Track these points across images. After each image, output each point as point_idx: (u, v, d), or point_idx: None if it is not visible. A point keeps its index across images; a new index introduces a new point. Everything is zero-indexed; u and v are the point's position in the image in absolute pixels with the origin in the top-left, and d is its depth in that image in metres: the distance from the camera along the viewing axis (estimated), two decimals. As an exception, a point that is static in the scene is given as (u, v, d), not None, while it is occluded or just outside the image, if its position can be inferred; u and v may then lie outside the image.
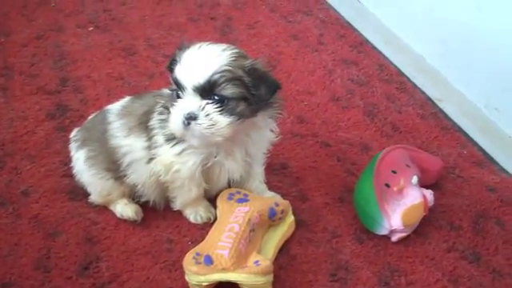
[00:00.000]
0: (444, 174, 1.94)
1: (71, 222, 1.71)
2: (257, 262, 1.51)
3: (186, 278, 1.52)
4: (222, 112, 1.50)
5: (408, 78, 2.43)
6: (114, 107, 1.75)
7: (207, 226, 1.69)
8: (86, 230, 1.69)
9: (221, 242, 1.55)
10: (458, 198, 1.87)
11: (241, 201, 1.68)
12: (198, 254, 1.53)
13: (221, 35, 2.62)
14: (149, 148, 1.65)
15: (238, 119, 1.53)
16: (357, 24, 2.79)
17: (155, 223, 1.72)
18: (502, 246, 1.73)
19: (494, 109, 2.18)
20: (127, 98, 1.77)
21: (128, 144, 1.67)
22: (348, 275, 1.61)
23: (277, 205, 1.69)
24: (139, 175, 1.69)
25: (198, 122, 1.49)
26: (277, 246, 1.66)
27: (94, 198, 1.75)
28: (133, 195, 1.76)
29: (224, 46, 1.57)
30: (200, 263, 1.51)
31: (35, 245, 1.64)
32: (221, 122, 1.50)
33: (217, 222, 1.66)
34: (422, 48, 2.54)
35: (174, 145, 1.61)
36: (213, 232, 1.61)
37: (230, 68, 1.51)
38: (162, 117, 1.63)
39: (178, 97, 1.53)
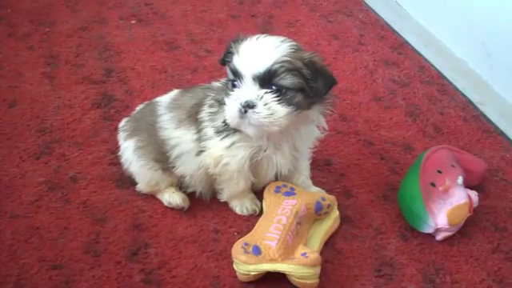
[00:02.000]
0: (487, 177, 1.94)
1: (119, 208, 1.74)
2: (304, 254, 1.52)
3: (235, 266, 1.54)
4: (280, 102, 1.51)
5: (449, 81, 2.43)
6: (163, 99, 1.77)
7: (253, 217, 1.71)
8: (134, 217, 1.72)
9: (269, 233, 1.57)
10: (502, 200, 1.87)
11: (288, 194, 1.69)
12: (246, 244, 1.54)
13: (261, 32, 2.58)
14: (198, 141, 1.67)
15: (295, 110, 1.54)
16: (396, 26, 2.79)
17: (201, 213, 1.74)
18: (545, 245, 1.74)
19: (535, 113, 2.19)
20: (176, 91, 1.79)
21: (177, 136, 1.69)
22: (393, 271, 1.62)
23: (323, 199, 1.70)
24: (187, 167, 1.71)
25: (256, 110, 1.51)
26: (322, 239, 1.67)
27: (142, 187, 1.77)
28: (180, 185, 1.78)
29: (282, 37, 1.58)
30: (249, 253, 1.52)
31: (84, 229, 1.67)
32: (279, 111, 1.52)
33: (264, 213, 1.67)
34: (462, 51, 2.54)
35: (224, 137, 1.63)
36: (261, 223, 1.63)
37: (290, 59, 1.52)
38: (212, 110, 1.65)
39: (234, 86, 1.55)
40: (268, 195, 1.71)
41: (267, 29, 2.67)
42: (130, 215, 1.72)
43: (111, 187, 1.80)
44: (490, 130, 2.17)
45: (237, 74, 1.54)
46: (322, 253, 1.64)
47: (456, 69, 2.49)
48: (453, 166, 1.81)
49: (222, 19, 2.73)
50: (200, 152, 1.67)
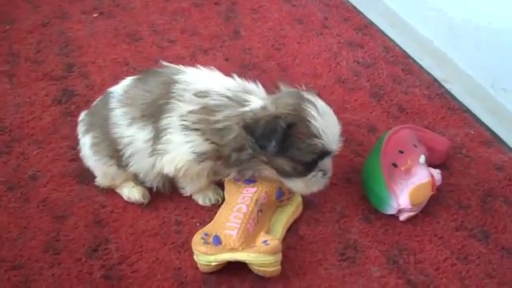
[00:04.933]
0: (451, 154, 1.94)
1: (79, 205, 1.72)
2: (265, 241, 1.51)
3: (195, 258, 1.53)
4: None
5: (414, 60, 2.42)
6: (117, 91, 1.71)
7: (215, 207, 1.69)
8: (95, 212, 1.70)
9: (229, 222, 1.56)
10: (466, 177, 1.87)
11: (248, 182, 1.67)
12: (206, 235, 1.53)
13: (225, 20, 2.61)
14: (152, 141, 1.62)
15: None
16: (361, 7, 2.77)
17: (163, 205, 1.73)
18: (511, 224, 1.74)
19: (501, 89, 2.17)
20: (129, 80, 1.73)
21: (130, 135, 1.64)
22: (357, 254, 1.62)
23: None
24: (141, 166, 1.67)
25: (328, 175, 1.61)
26: (285, 226, 1.66)
27: (100, 181, 1.75)
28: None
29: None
30: (209, 243, 1.51)
31: (44, 228, 1.65)
32: None
33: (225, 202, 1.66)
34: (428, 30, 2.52)
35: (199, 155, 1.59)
36: (221, 213, 1.62)
37: None
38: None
39: (315, 163, 1.57)
40: (228, 184, 1.70)
41: (231, 16, 2.64)
42: (91, 211, 1.70)
43: (72, 184, 1.78)
44: (454, 108, 2.17)
45: (323, 153, 1.55)
46: (284, 239, 1.64)
47: (421, 48, 2.48)
48: (415, 146, 1.81)
49: (184, 8, 2.69)
50: (153, 153, 1.63)
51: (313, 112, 1.51)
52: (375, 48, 2.47)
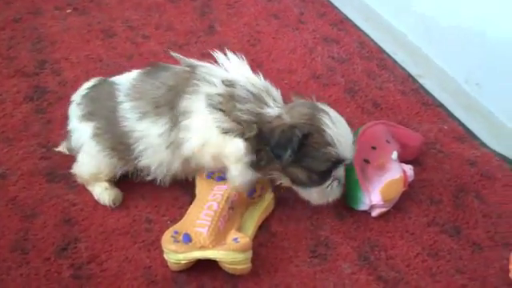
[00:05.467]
0: (425, 150, 1.93)
1: (49, 203, 1.69)
2: (236, 239, 1.51)
3: (165, 256, 1.51)
4: None
5: (389, 55, 2.42)
6: (123, 82, 1.66)
7: (186, 204, 1.67)
8: (64, 211, 1.68)
9: (199, 220, 1.55)
10: (439, 172, 1.87)
11: (220, 179, 1.67)
12: (176, 233, 1.52)
13: (200, 15, 2.60)
14: (168, 133, 1.58)
15: None
16: (337, 2, 2.76)
17: (134, 203, 1.71)
18: (482, 220, 1.74)
19: (474, 84, 2.18)
20: (135, 73, 1.68)
21: (141, 129, 1.60)
22: (328, 251, 1.61)
23: (256, 182, 1.68)
24: (154, 160, 1.63)
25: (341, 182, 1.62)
26: (257, 223, 1.66)
27: (83, 171, 1.70)
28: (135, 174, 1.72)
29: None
30: (178, 241, 1.50)
31: (12, 227, 1.62)
32: None
33: (195, 200, 1.65)
34: (402, 24, 2.53)
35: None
36: (191, 210, 1.60)
37: None
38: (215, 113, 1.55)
39: (330, 172, 1.57)
40: (200, 181, 1.69)
41: (206, 11, 2.63)
42: (61, 209, 1.68)
43: (41, 182, 1.76)
44: (428, 103, 2.17)
45: (338, 161, 1.56)
46: (256, 236, 1.63)
47: (396, 42, 2.48)
48: (388, 142, 1.80)
49: (159, 3, 2.67)
50: (171, 145, 1.59)
51: (327, 121, 1.52)
52: (350, 43, 2.47)
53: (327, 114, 1.55)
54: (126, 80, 1.67)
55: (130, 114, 1.61)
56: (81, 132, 1.68)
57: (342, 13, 2.69)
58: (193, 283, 1.51)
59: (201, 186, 1.67)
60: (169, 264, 1.52)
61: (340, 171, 1.59)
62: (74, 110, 1.71)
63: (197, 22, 2.55)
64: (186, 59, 1.67)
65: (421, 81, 2.29)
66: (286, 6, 2.70)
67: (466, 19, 2.17)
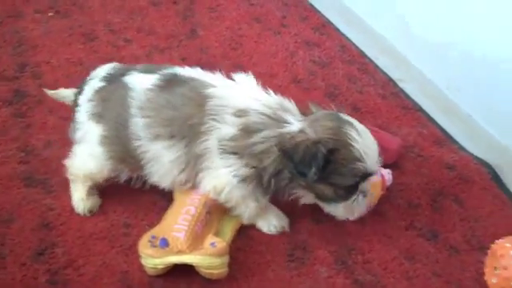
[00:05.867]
0: (403, 153, 1.94)
1: (27, 208, 1.69)
2: (213, 243, 1.51)
3: (142, 261, 1.51)
4: None
5: (370, 59, 2.43)
6: (137, 92, 1.58)
7: (164, 209, 1.66)
8: (42, 216, 1.67)
9: (177, 224, 1.55)
10: (417, 176, 1.88)
11: (197, 183, 1.67)
12: (153, 237, 1.52)
13: (182, 19, 2.60)
14: (182, 160, 1.56)
15: None
16: (319, 5, 2.78)
17: (112, 208, 1.70)
18: (460, 223, 1.75)
19: (455, 89, 2.19)
20: (151, 85, 1.58)
21: (154, 150, 1.57)
22: (305, 255, 1.62)
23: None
24: (166, 180, 1.61)
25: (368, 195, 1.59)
26: (234, 227, 1.66)
27: (79, 169, 1.67)
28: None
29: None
30: (155, 246, 1.50)
31: (-11, 232, 1.62)
32: None
33: (172, 204, 1.64)
34: (384, 29, 2.54)
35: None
36: (169, 215, 1.60)
37: None
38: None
39: (357, 187, 1.55)
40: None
41: (188, 15, 2.63)
42: (38, 214, 1.67)
43: (19, 186, 1.75)
44: (408, 107, 2.18)
45: (365, 175, 1.53)
46: (234, 241, 1.63)
47: (377, 46, 2.50)
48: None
49: (142, 7, 2.67)
50: (184, 171, 1.58)
51: (354, 135, 1.48)
52: (332, 47, 2.48)
53: (353, 126, 1.50)
54: (140, 87, 1.58)
55: (142, 133, 1.56)
56: (88, 131, 1.63)
57: (324, 17, 2.70)
58: (169, 288, 1.51)
59: (179, 190, 1.67)
60: (146, 269, 1.52)
61: (365, 184, 1.56)
62: (85, 105, 1.64)
63: (179, 26, 2.56)
64: (197, 77, 1.61)
65: (401, 85, 2.30)
66: (269, 10, 2.71)
67: (447, 24, 2.18)
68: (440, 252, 1.65)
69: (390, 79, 2.32)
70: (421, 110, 2.18)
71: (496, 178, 1.91)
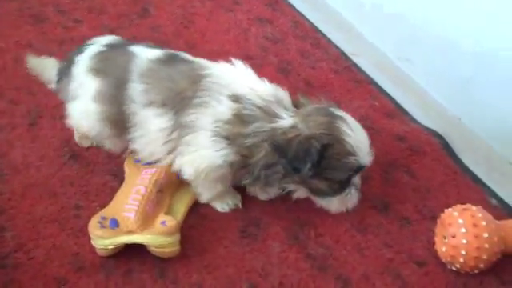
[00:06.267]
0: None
1: (-25, 193, 1.67)
2: (164, 222, 1.50)
3: (92, 242, 1.50)
4: None
5: (323, 34, 2.43)
6: (140, 59, 1.60)
7: (116, 189, 1.65)
8: (-9, 200, 1.65)
9: (127, 204, 1.54)
10: (369, 149, 1.89)
11: (148, 163, 1.66)
12: (103, 218, 1.51)
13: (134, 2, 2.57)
14: (169, 131, 1.55)
15: None
16: (272, -18, 2.76)
17: (62, 190, 1.69)
18: (411, 194, 1.76)
19: (405, 60, 2.20)
20: (155, 57, 1.61)
21: (144, 116, 1.57)
22: (258, 231, 1.62)
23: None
24: (146, 149, 1.61)
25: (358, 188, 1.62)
26: (187, 205, 1.65)
27: (75, 127, 1.73)
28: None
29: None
30: (105, 227, 1.49)
31: None
32: None
33: (123, 184, 1.64)
34: (336, 3, 2.55)
35: (221, 150, 1.53)
36: (119, 195, 1.59)
37: None
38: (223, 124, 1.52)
39: (349, 181, 1.57)
40: (128, 166, 1.68)
41: (139, -5, 2.60)
42: (-13, 199, 1.66)
43: (-33, 172, 1.73)
44: (360, 80, 2.19)
45: (358, 169, 1.55)
46: (186, 219, 1.63)
47: (330, 21, 2.50)
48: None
49: (92, -13, 2.64)
50: (169, 145, 1.57)
51: (346, 129, 1.49)
52: (285, 23, 2.48)
53: (345, 121, 1.51)
54: (144, 56, 1.61)
55: (138, 97, 1.57)
56: (83, 84, 1.63)
57: (277, -8, 2.69)
58: (121, 268, 1.50)
59: (129, 170, 1.66)
60: (96, 250, 1.50)
61: (357, 177, 1.60)
62: (85, 62, 1.65)
63: (130, 5, 2.53)
64: (199, 60, 1.63)
65: (354, 59, 2.30)
66: (221, -13, 2.69)
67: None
68: (392, 223, 1.67)
69: (343, 53, 2.32)
70: (373, 82, 2.19)
71: (447, 148, 1.93)
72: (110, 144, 1.71)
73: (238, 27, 2.43)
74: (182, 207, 1.64)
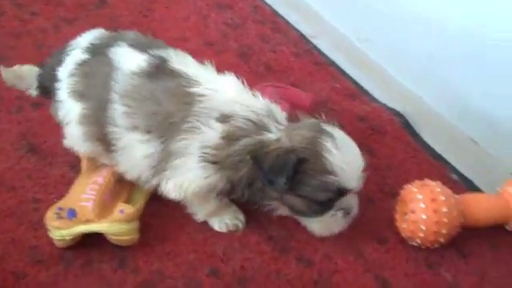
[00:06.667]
0: (316, 109, 1.94)
1: None
2: (122, 210, 1.48)
3: (50, 234, 1.48)
4: None
5: (283, 18, 2.43)
6: (122, 71, 1.48)
7: (74, 180, 1.62)
8: None
9: (85, 194, 1.52)
10: (329, 129, 1.88)
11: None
12: (60, 209, 1.49)
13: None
14: (155, 157, 1.47)
15: None
16: (231, -33, 2.75)
17: (20, 183, 1.66)
18: (373, 173, 1.75)
19: (365, 40, 2.20)
20: (139, 66, 1.48)
21: (128, 141, 1.48)
22: (219, 216, 1.61)
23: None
24: (133, 171, 1.53)
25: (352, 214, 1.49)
26: (148, 194, 1.63)
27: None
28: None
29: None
30: (62, 218, 1.47)
31: None
32: None
33: (80, 175, 1.61)
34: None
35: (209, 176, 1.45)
36: (76, 186, 1.57)
37: None
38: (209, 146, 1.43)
39: (331, 201, 1.44)
40: (85, 156, 1.66)
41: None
42: None
43: None
44: (321, 63, 2.19)
45: (340, 192, 1.42)
46: (147, 207, 1.61)
47: (290, 4, 2.50)
48: (276, 103, 1.80)
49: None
50: (155, 167, 1.49)
51: (329, 146, 1.38)
52: (244, 8, 2.47)
53: (332, 137, 1.40)
54: (126, 68, 1.48)
55: (119, 121, 1.47)
56: (68, 109, 1.54)
57: (236, -22, 2.67)
58: (80, 259, 1.48)
59: (86, 161, 1.64)
60: (54, 242, 1.48)
61: (348, 201, 1.46)
62: (66, 81, 1.54)
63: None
64: (188, 71, 1.50)
65: (314, 41, 2.30)
66: (179, -26, 2.67)
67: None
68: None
69: (303, 36, 2.32)
70: (334, 64, 2.19)
71: (407, 126, 1.93)
72: (110, 160, 1.59)
73: (198, 14, 2.42)
74: (141, 196, 1.62)
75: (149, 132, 1.45)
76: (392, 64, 2.12)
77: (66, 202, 1.52)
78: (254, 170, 1.40)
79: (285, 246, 1.55)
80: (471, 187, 1.75)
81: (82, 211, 1.48)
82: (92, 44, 1.57)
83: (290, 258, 1.52)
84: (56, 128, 1.65)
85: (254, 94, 1.51)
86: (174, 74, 1.48)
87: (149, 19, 2.36)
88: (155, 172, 1.49)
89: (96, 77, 1.51)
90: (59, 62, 1.57)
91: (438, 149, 1.86)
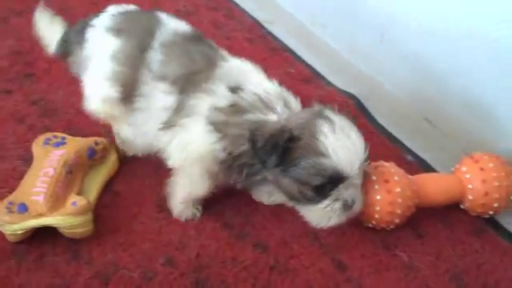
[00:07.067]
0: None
1: None
2: (74, 203, 1.46)
3: (1, 229, 1.45)
4: None
5: (236, 4, 2.42)
6: (167, 28, 1.56)
7: (25, 174, 1.61)
8: None
9: (35, 187, 1.49)
10: (284, 115, 1.88)
11: (57, 144, 1.62)
12: (10, 204, 1.46)
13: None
14: (171, 113, 1.49)
15: None
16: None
17: (-32, 179, 1.64)
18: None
19: (320, 25, 2.20)
20: (181, 29, 1.59)
21: (152, 88, 1.51)
22: (174, 204, 1.60)
23: (96, 144, 1.65)
24: (147, 125, 1.54)
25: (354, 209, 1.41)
26: (100, 185, 1.62)
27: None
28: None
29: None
30: (13, 212, 1.44)
31: None
32: None
33: (31, 168, 1.58)
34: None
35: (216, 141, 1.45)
36: (27, 179, 1.54)
37: None
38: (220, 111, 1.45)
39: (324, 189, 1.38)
40: (36, 148, 1.63)
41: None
42: None
43: None
44: (276, 48, 2.18)
45: (335, 177, 1.36)
46: (99, 198, 1.59)
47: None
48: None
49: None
50: (165, 128, 1.51)
51: (324, 128, 1.34)
52: (197, -5, 2.45)
53: (330, 122, 1.36)
54: (170, 26, 1.58)
55: (154, 66, 1.52)
56: (100, 44, 1.57)
57: (189, -36, 2.65)
58: (33, 253, 1.46)
59: (37, 153, 1.61)
60: (6, 236, 1.46)
61: (351, 193, 1.39)
62: (104, 21, 1.60)
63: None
64: (221, 50, 1.60)
65: (269, 27, 2.30)
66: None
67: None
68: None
69: (257, 22, 2.31)
70: (288, 50, 2.18)
71: (362, 108, 1.93)
72: (119, 121, 1.64)
73: (151, 1, 2.39)
74: (94, 187, 1.60)
75: (174, 84, 1.49)
76: (346, 48, 2.14)
77: (17, 196, 1.49)
78: (251, 150, 1.40)
79: (241, 232, 1.54)
80: (426, 167, 1.76)
81: (33, 205, 1.45)
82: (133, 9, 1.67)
83: (246, 243, 1.52)
84: (6, 122, 1.62)
85: (270, 79, 1.54)
86: (209, 45, 1.59)
87: (100, 9, 2.31)
88: (165, 127, 1.50)
89: (141, 22, 1.58)
90: (94, 17, 1.64)
91: (393, 130, 1.87)
